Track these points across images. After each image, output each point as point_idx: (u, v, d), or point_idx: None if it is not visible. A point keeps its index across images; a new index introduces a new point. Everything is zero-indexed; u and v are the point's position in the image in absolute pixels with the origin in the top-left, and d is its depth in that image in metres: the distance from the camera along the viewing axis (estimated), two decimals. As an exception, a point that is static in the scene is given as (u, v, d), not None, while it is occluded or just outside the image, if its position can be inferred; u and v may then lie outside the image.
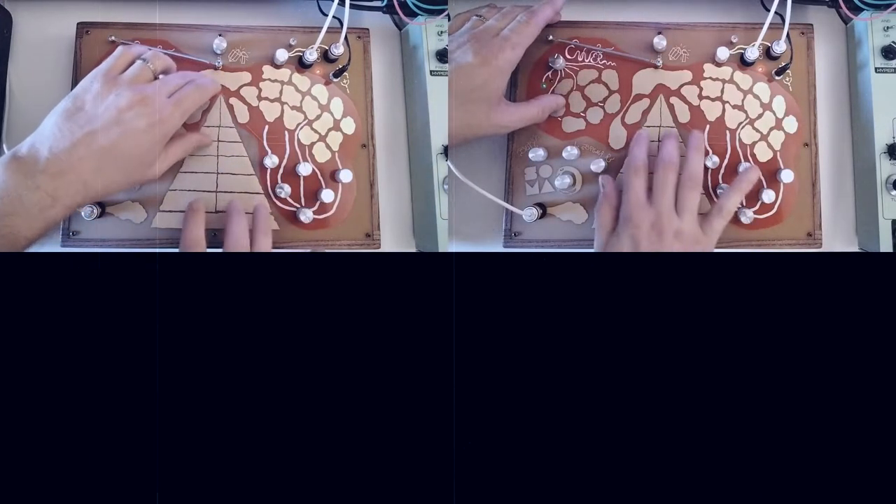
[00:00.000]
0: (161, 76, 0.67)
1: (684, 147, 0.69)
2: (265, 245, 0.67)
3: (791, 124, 0.72)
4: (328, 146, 0.72)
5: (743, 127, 0.71)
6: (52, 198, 0.60)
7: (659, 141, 0.71)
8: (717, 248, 0.69)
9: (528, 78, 0.72)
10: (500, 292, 0.63)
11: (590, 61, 0.72)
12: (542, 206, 0.71)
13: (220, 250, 0.66)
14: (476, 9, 0.71)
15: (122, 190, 0.66)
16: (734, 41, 0.72)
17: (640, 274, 0.63)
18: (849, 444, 0.63)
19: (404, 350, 0.63)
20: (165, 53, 0.69)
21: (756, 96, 0.72)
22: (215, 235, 0.68)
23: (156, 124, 0.63)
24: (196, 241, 0.66)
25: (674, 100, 0.72)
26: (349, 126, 0.72)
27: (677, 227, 0.66)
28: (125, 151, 0.62)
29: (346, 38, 0.71)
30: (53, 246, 0.69)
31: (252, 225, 0.68)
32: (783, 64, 0.72)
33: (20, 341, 0.61)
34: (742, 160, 0.71)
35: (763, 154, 0.71)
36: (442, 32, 0.70)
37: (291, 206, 0.71)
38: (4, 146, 0.67)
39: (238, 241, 0.66)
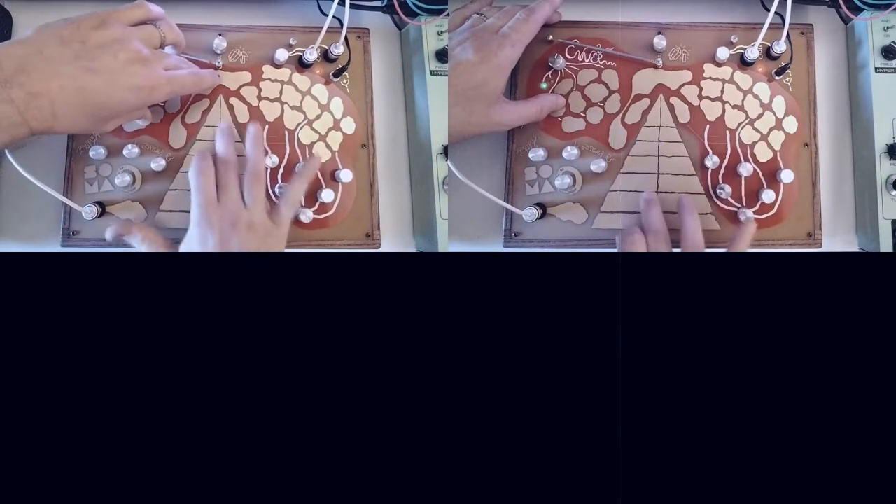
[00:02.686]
0: (168, 48, 0.67)
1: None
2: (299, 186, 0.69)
3: (791, 124, 0.72)
4: (328, 146, 0.72)
5: (743, 127, 0.71)
6: (22, 115, 0.58)
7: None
8: (716, 248, 0.69)
9: (528, 78, 0.72)
10: (500, 292, 0.63)
11: (590, 61, 0.72)
12: (542, 206, 0.71)
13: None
14: (477, 4, 0.71)
15: (77, 132, 0.68)
16: (734, 41, 0.72)
17: (640, 274, 0.63)
18: (849, 443, 0.63)
19: (404, 350, 0.63)
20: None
21: (756, 96, 0.72)
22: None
23: (143, 89, 0.62)
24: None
25: (674, 100, 0.72)
26: (349, 126, 0.72)
27: None
28: (104, 101, 0.61)
29: (346, 38, 0.71)
30: (53, 246, 0.68)
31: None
32: (783, 64, 0.72)
33: (20, 341, 0.61)
34: (742, 160, 0.71)
35: (763, 154, 0.71)
36: (442, 32, 0.70)
37: (291, 205, 0.70)
38: (5, 149, 0.67)
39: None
